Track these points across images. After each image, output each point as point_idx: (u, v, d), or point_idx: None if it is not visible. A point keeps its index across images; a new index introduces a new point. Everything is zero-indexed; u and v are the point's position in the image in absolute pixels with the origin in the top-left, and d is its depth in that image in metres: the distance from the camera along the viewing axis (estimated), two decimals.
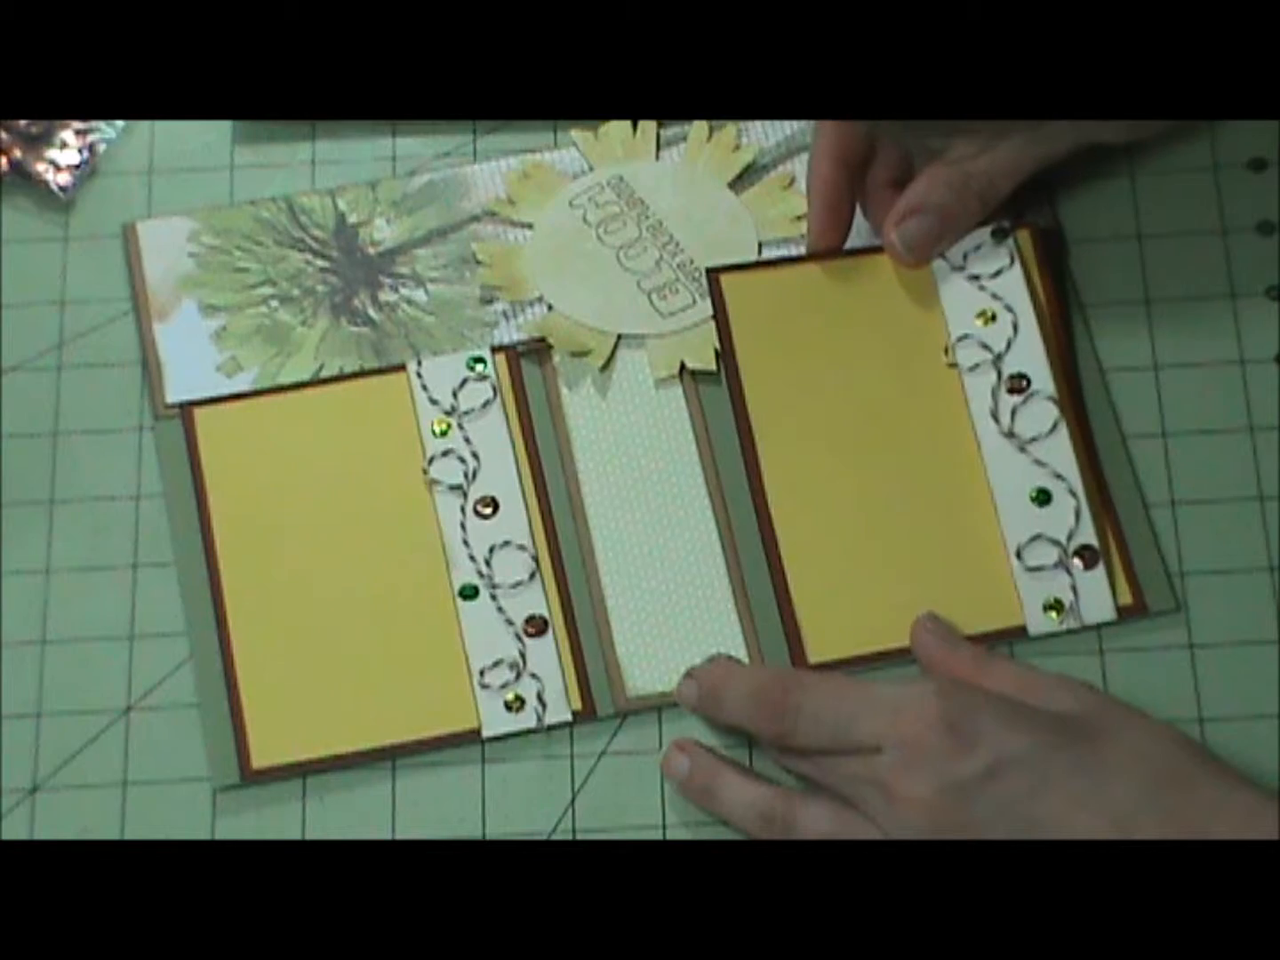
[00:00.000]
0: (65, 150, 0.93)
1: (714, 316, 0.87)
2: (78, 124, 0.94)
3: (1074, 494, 0.83)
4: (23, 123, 0.93)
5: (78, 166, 0.93)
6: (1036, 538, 0.83)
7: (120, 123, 0.94)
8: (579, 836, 0.80)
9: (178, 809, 0.82)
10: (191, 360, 0.88)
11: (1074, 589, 0.83)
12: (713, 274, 0.87)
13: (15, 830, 0.82)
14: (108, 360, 0.90)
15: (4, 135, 0.93)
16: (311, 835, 0.81)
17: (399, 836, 0.81)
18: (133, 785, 0.82)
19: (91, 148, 0.93)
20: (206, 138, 0.94)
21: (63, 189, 0.93)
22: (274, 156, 0.94)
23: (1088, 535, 0.83)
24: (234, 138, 0.93)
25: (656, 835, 0.80)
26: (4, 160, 0.93)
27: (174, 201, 0.93)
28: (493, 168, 0.92)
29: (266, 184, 0.93)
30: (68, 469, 0.88)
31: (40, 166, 0.93)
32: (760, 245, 0.90)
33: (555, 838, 0.81)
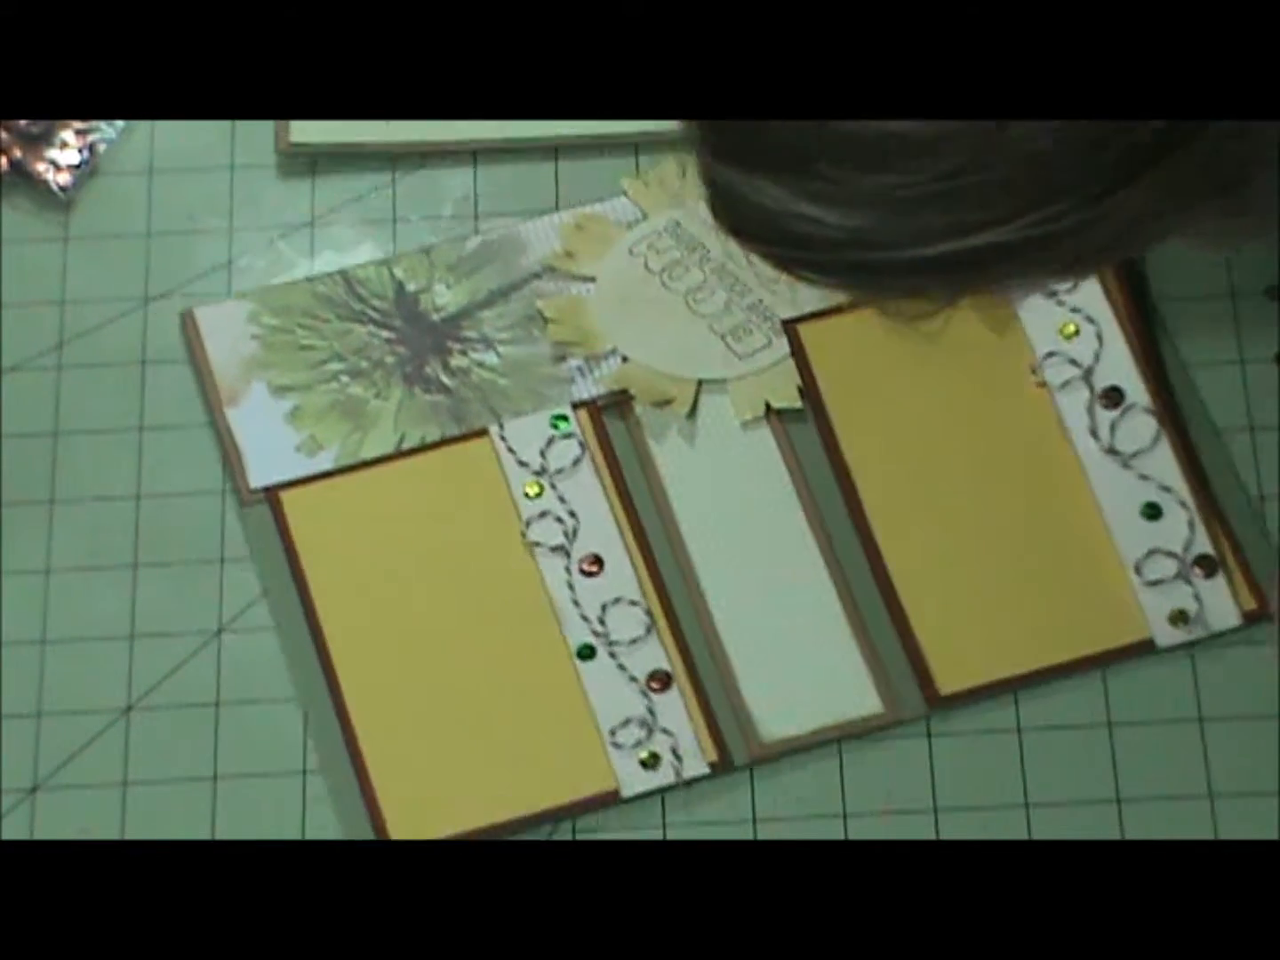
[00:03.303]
0: (65, 150, 0.93)
1: (796, 364, 0.86)
2: (78, 124, 0.93)
3: (1184, 505, 0.83)
4: (23, 123, 0.93)
5: (78, 166, 0.93)
6: (1153, 552, 0.83)
7: (120, 123, 0.94)
8: None
9: (178, 809, 0.82)
10: (269, 443, 0.87)
11: (1197, 598, 0.82)
12: (789, 325, 0.87)
13: (15, 830, 0.81)
14: (108, 360, 0.90)
15: (4, 135, 0.93)
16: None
17: None
18: (133, 785, 0.82)
19: (91, 148, 0.93)
20: (206, 138, 0.94)
21: (63, 189, 0.93)
22: (273, 156, 0.94)
23: (1204, 544, 0.83)
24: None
25: None
26: (4, 160, 0.93)
27: (174, 202, 0.93)
28: (545, 223, 0.91)
29: (267, 183, 0.93)
30: (68, 469, 0.88)
31: (40, 166, 0.93)
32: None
33: None
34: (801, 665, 0.83)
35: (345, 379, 0.88)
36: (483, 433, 0.87)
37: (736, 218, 0.62)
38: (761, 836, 0.80)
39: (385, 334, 0.89)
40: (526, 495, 0.85)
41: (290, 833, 0.81)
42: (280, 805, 0.82)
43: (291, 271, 0.92)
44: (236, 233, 0.93)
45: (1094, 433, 0.84)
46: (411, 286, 0.90)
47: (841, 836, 0.80)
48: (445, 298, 0.90)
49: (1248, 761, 0.81)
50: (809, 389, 0.86)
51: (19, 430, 0.88)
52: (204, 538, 0.86)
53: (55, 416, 0.88)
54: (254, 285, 0.91)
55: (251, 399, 0.88)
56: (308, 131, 0.92)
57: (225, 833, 0.81)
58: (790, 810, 0.81)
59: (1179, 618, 0.82)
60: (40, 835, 0.81)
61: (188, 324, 0.89)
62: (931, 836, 0.80)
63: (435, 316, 0.90)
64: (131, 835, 0.81)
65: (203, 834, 0.81)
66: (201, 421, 0.89)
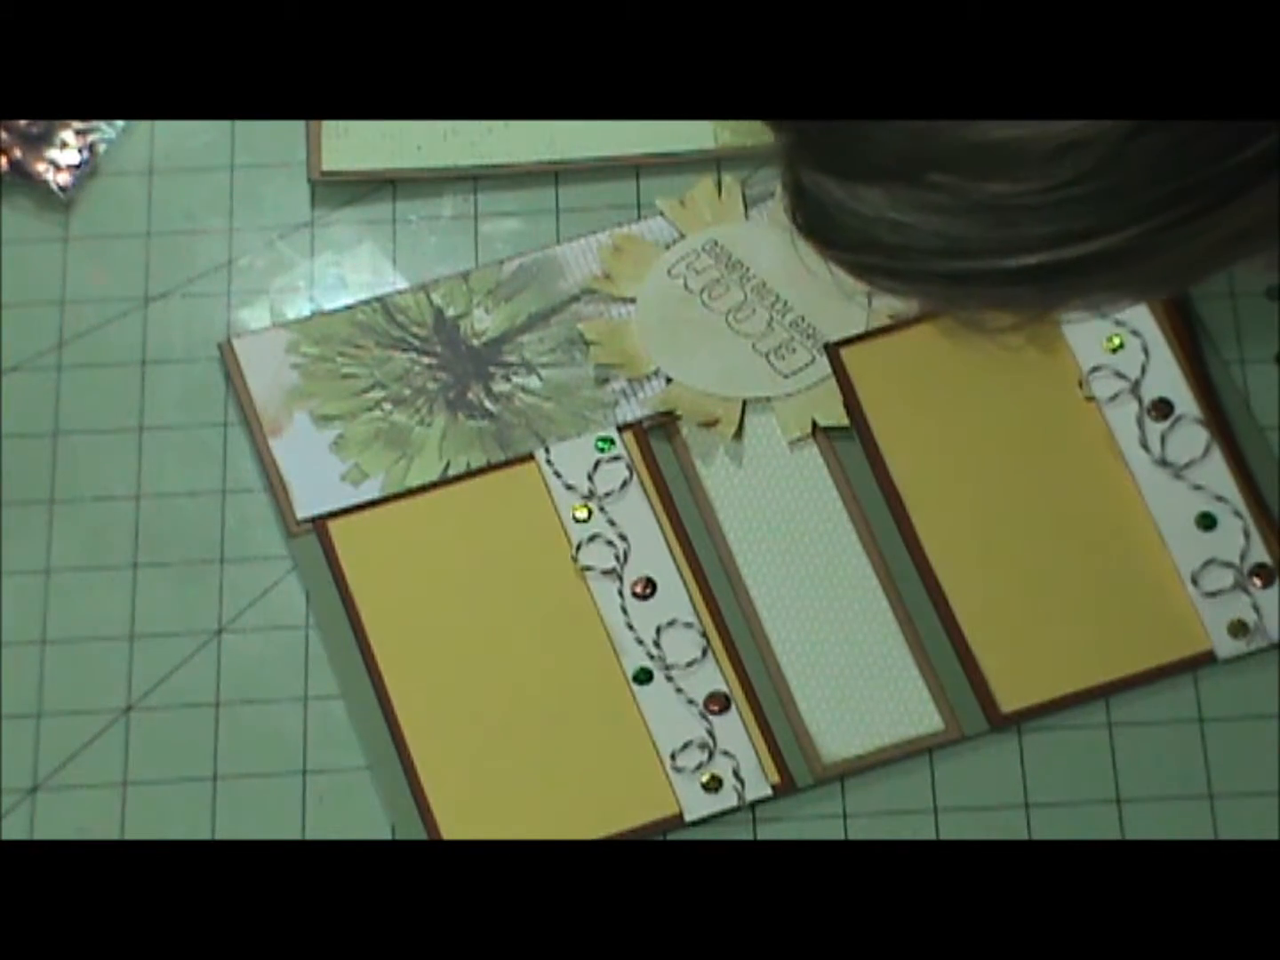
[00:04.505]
0: (65, 150, 0.93)
1: (840, 387, 0.86)
2: (78, 124, 0.93)
3: (1239, 514, 0.83)
4: (23, 123, 0.93)
5: (78, 166, 0.93)
6: (1209, 562, 0.83)
7: (120, 123, 0.94)
8: None
9: (178, 809, 0.82)
10: (314, 473, 0.86)
11: (1256, 608, 0.82)
12: (831, 349, 0.87)
13: (15, 830, 0.81)
14: (108, 360, 0.90)
15: (4, 135, 0.93)
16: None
17: None
18: (133, 785, 0.82)
19: (91, 148, 0.93)
20: (206, 138, 0.94)
21: (63, 189, 0.93)
22: (273, 156, 0.94)
23: (1260, 553, 0.83)
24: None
25: None
26: (4, 160, 0.93)
27: (174, 202, 0.93)
28: (582, 245, 0.91)
29: (267, 183, 0.93)
30: (68, 469, 0.88)
31: (40, 166, 0.93)
32: (870, 296, 0.88)
33: None
34: (859, 684, 0.83)
35: (388, 407, 0.88)
36: (528, 457, 0.86)
37: (822, 225, 0.60)
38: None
39: (426, 360, 0.89)
40: (575, 519, 0.85)
41: (290, 833, 0.81)
42: (280, 805, 0.82)
43: (291, 272, 0.92)
44: (236, 233, 0.93)
45: (1145, 445, 0.84)
46: (450, 312, 0.90)
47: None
48: (485, 323, 0.89)
49: (1248, 761, 0.81)
50: (854, 412, 0.86)
51: (19, 430, 0.88)
52: (204, 538, 0.86)
53: (55, 416, 0.88)
54: (254, 286, 0.91)
55: (295, 429, 0.87)
56: (340, 159, 0.92)
57: (225, 833, 0.81)
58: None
59: (1238, 628, 0.82)
60: (40, 835, 0.81)
61: (226, 355, 0.89)
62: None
63: (475, 342, 0.89)
64: (131, 835, 0.81)
65: (203, 834, 0.81)
66: (209, 420, 0.88)
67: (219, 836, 0.81)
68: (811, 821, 0.81)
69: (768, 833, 0.81)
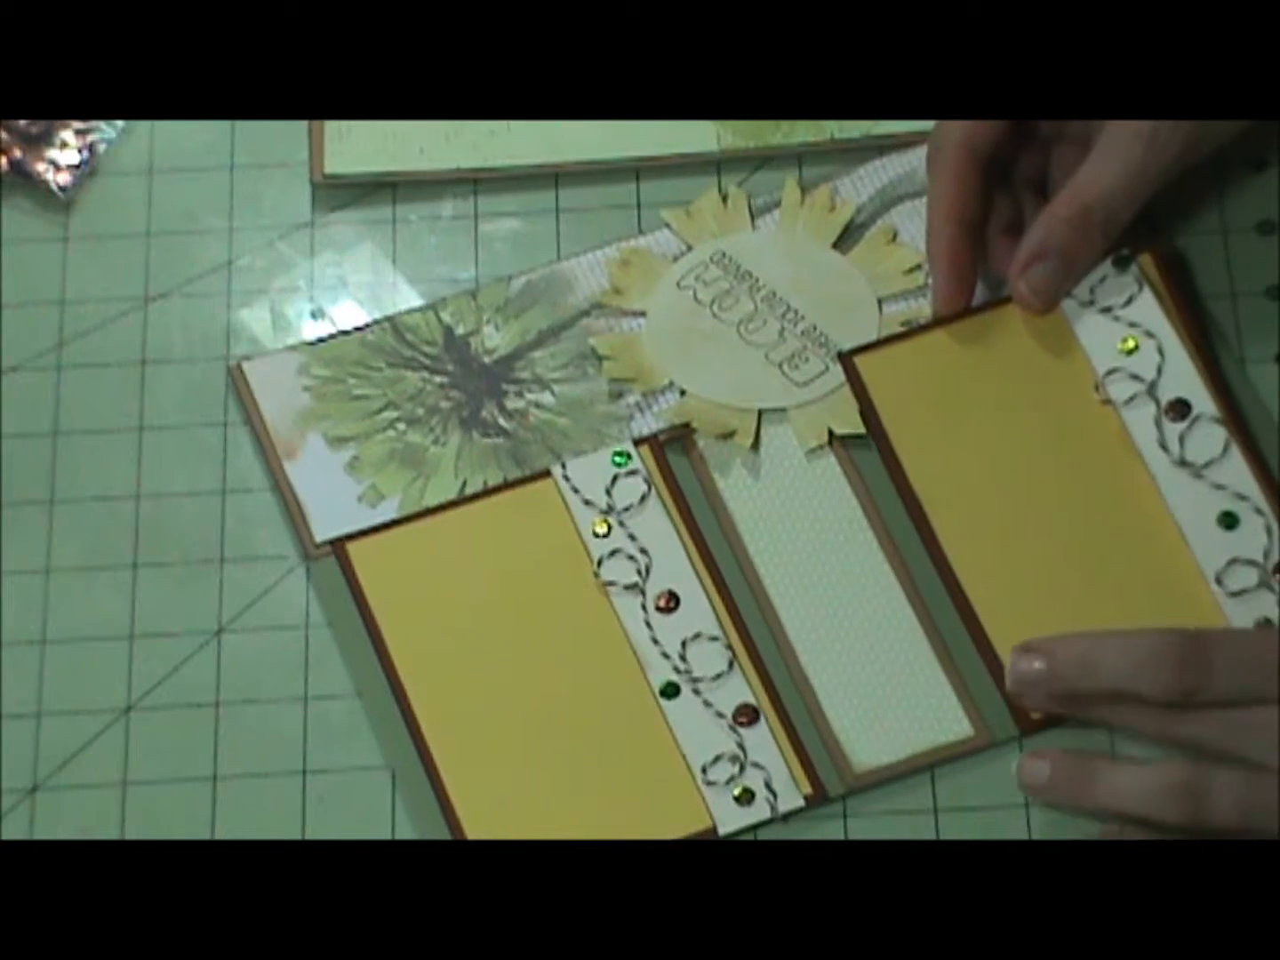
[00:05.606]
0: (65, 150, 0.93)
1: (855, 396, 0.86)
2: (78, 124, 0.93)
3: (1261, 512, 0.83)
4: (23, 123, 0.93)
5: (78, 166, 0.93)
6: (1233, 561, 0.82)
7: (120, 123, 0.94)
8: None
9: (178, 809, 0.82)
10: (330, 495, 0.86)
11: None
12: (845, 357, 0.86)
13: (15, 830, 0.81)
14: (108, 360, 0.90)
15: (4, 135, 0.93)
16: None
17: None
18: (132, 785, 0.82)
19: (91, 148, 0.93)
20: (206, 138, 0.94)
21: (63, 189, 0.93)
22: (273, 156, 0.94)
23: None
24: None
25: None
26: (4, 160, 0.93)
27: (174, 202, 0.93)
28: (590, 259, 0.90)
29: (267, 183, 0.93)
30: (68, 469, 0.88)
31: (40, 166, 0.93)
32: (880, 302, 0.88)
33: None
34: (887, 692, 0.82)
35: (402, 426, 0.87)
36: (545, 474, 0.86)
37: None
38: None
39: (438, 379, 0.88)
40: (595, 534, 0.84)
41: (290, 833, 0.81)
42: (280, 805, 0.81)
43: (291, 272, 0.92)
44: (236, 233, 0.93)
45: (1164, 446, 0.84)
46: (460, 330, 0.89)
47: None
48: (495, 340, 0.89)
49: None
50: (870, 420, 0.85)
51: (19, 430, 0.88)
52: (204, 538, 0.86)
53: (55, 416, 0.88)
54: (254, 286, 0.91)
55: (308, 451, 0.87)
56: (341, 162, 0.92)
57: (225, 833, 0.81)
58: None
59: (1265, 626, 0.81)
60: (40, 835, 0.81)
61: (237, 379, 0.89)
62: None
63: (487, 359, 0.89)
64: (131, 835, 0.81)
65: (203, 834, 0.81)
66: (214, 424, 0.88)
67: (219, 836, 0.81)
68: (810, 822, 0.81)
69: (767, 834, 0.81)
